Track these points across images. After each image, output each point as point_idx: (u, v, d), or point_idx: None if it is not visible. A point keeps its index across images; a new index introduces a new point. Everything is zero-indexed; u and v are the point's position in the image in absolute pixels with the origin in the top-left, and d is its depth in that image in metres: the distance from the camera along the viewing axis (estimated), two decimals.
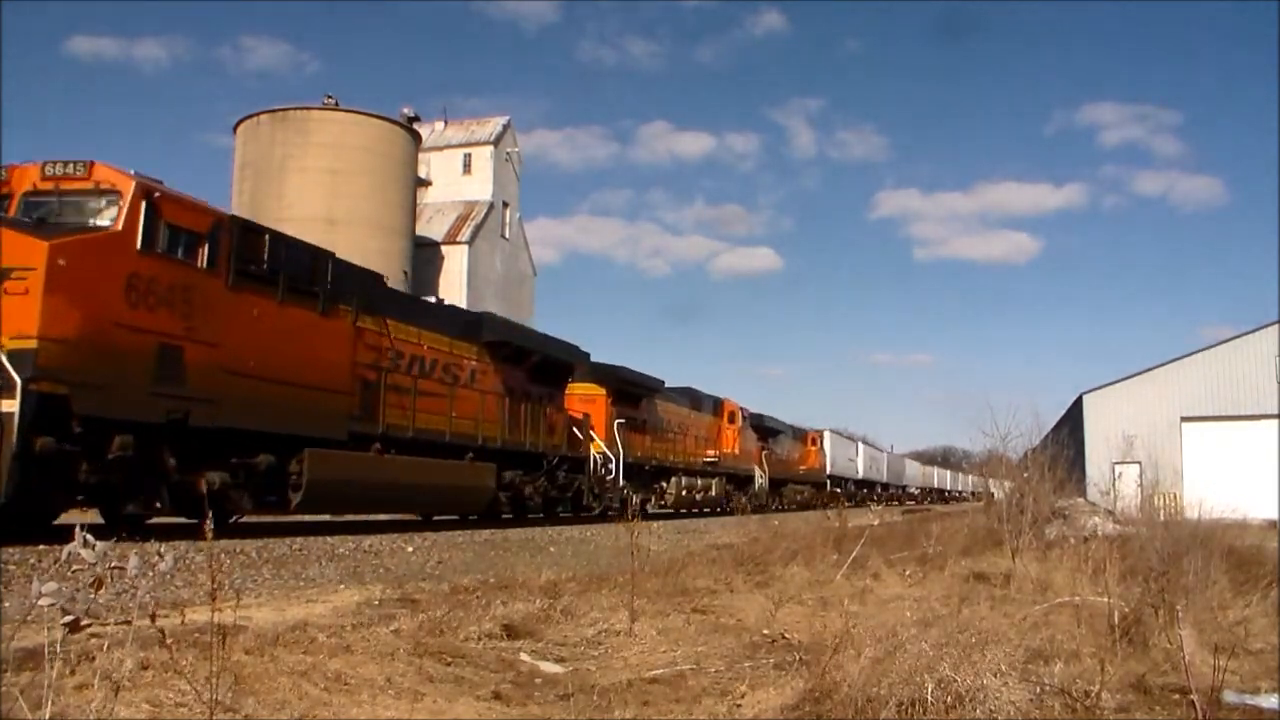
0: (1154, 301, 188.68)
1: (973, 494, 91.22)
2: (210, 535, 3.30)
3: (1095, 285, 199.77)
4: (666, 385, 28.86)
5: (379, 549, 11.31)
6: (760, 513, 30.55)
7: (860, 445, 58.93)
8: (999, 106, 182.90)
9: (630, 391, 24.80)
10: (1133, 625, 6.81)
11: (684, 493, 27.58)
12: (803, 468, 44.48)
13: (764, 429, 37.19)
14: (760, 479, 35.24)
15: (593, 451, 21.96)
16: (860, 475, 56.91)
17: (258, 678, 4.04)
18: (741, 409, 33.99)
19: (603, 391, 23.23)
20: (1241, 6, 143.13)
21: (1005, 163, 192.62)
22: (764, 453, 36.41)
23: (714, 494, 30.21)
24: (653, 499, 25.55)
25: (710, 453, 30.59)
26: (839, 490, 49.50)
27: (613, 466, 22.49)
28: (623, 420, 23.51)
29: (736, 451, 33.04)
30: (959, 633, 5.19)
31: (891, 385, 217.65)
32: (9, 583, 6.82)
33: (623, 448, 22.99)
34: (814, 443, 46.90)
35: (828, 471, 48.51)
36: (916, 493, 77.69)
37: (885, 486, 65.41)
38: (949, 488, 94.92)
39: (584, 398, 22.80)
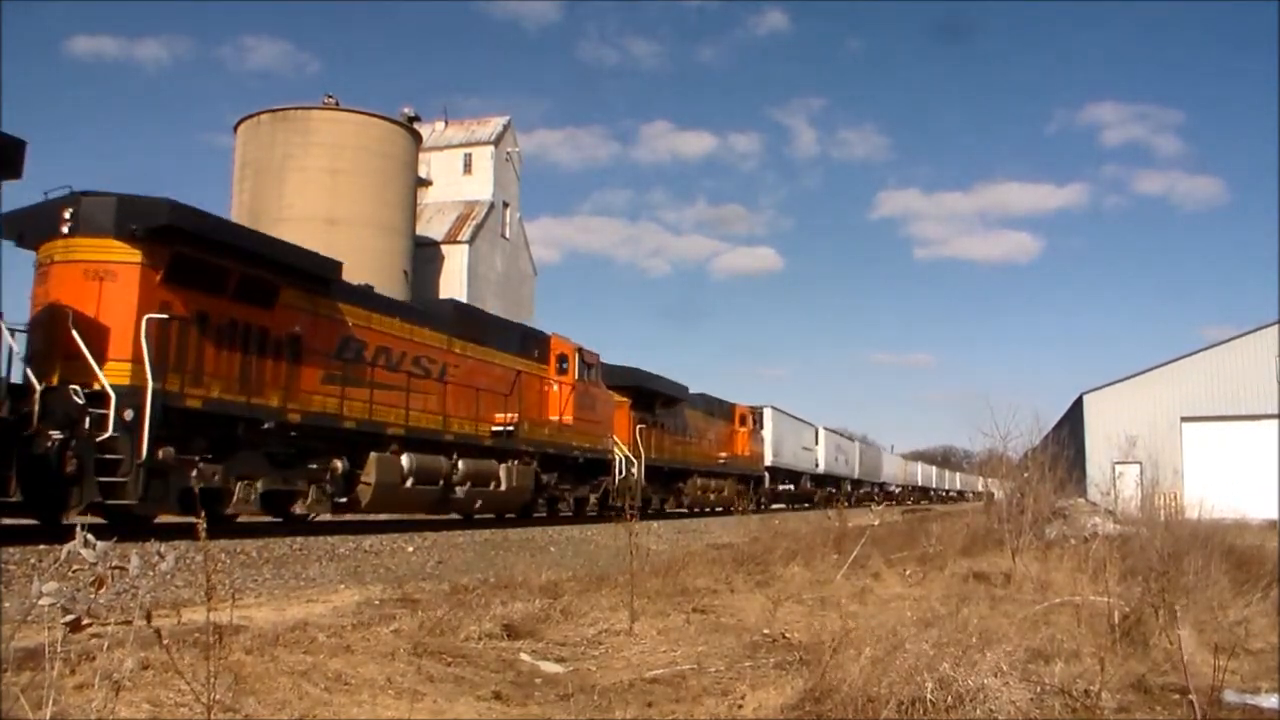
0: (1154, 301, 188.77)
1: (960, 493, 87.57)
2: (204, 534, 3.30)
3: (1096, 285, 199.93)
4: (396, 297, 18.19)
5: (379, 549, 11.32)
6: (620, 520, 17.22)
7: (821, 431, 47.19)
8: (1000, 106, 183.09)
9: (231, 273, 11.95)
10: (1133, 625, 6.81)
11: (409, 482, 14.78)
12: (723, 455, 31.88)
13: (642, 393, 24.73)
14: (631, 467, 22.81)
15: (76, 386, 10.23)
16: (821, 468, 46.01)
17: (258, 677, 4.05)
18: (583, 351, 20.82)
19: (135, 257, 10.91)
20: (1242, 7, 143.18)
21: (1006, 162, 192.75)
22: (640, 428, 23.95)
23: (504, 487, 17.40)
24: (309, 491, 13.28)
25: (501, 418, 17.43)
26: (789, 487, 40.40)
27: (119, 415, 10.25)
28: (189, 317, 11.30)
29: (567, 419, 19.94)
30: (959, 632, 5.19)
31: (892, 385, 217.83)
32: (9, 582, 6.83)
33: (178, 377, 11.06)
34: (745, 422, 34.45)
35: (768, 461, 37.00)
36: (897, 491, 67.46)
37: (857, 484, 54.23)
38: (936, 486, 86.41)
39: (88, 269, 10.83)
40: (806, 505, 40.44)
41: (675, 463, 27.20)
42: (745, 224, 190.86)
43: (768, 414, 37.92)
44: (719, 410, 32.75)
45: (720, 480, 31.28)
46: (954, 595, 8.65)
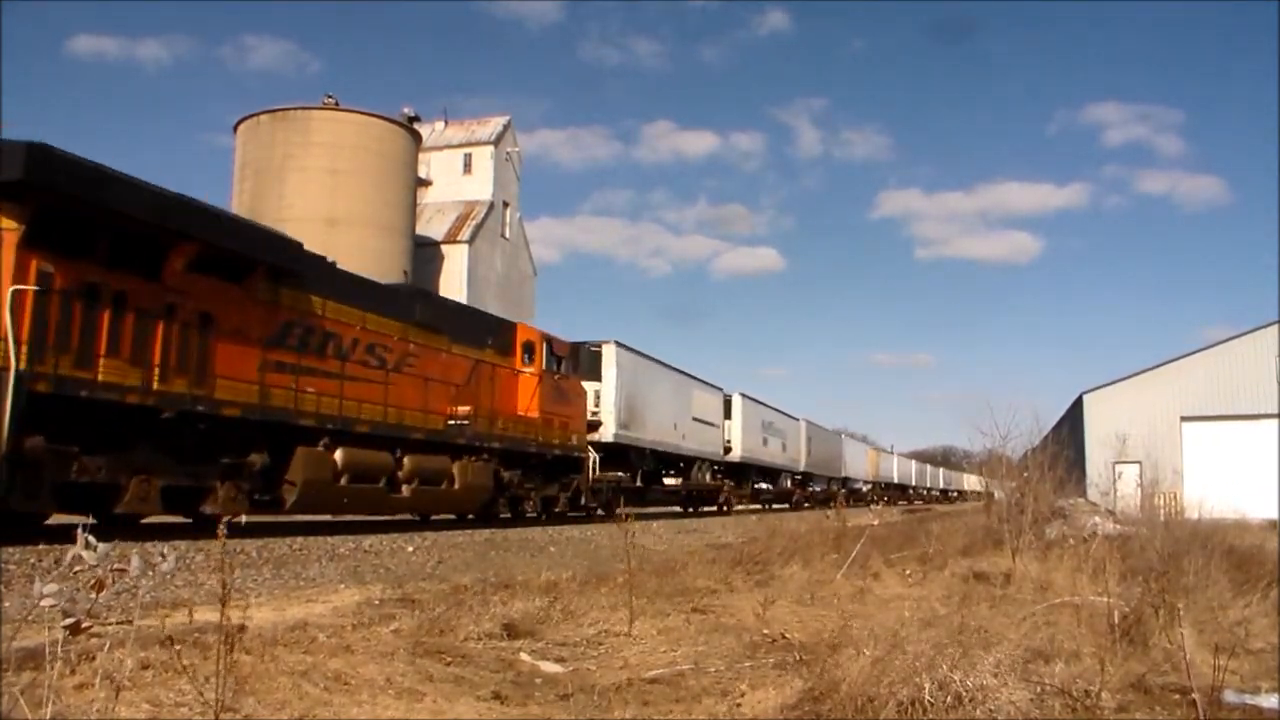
0: (1154, 301, 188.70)
1: (945, 492, 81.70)
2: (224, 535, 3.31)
3: (1096, 285, 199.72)
4: None
5: (379, 549, 11.33)
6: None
7: (737, 400, 32.71)
8: (1002, 106, 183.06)
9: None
10: (1133, 625, 6.81)
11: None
12: (461, 410, 16.10)
13: (54, 209, 9.60)
14: None
15: None
16: (736, 454, 32.03)
17: (258, 677, 4.05)
18: None
19: None
20: (1243, 6, 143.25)
21: (1007, 162, 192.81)
22: (29, 292, 9.30)
23: None
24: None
25: None
26: (673, 481, 27.22)
27: None
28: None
29: None
30: (959, 632, 5.19)
31: (892, 385, 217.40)
32: (9, 582, 6.83)
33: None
34: (532, 356, 18.83)
35: (609, 434, 22.19)
36: (865, 490, 52.85)
37: (804, 479, 41.60)
38: (918, 484, 74.51)
39: None
40: (712, 510, 28.98)
41: (242, 406, 11.94)
42: (746, 224, 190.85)
43: (610, 355, 22.69)
44: (463, 326, 16.86)
45: (433, 458, 15.46)
46: (954, 595, 8.65)
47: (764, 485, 37.73)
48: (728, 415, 32.02)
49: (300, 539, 11.35)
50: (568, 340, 20.51)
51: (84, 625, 2.59)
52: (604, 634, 6.26)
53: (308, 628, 5.22)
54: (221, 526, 3.26)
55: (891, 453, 70.71)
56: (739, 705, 4.60)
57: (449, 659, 5.04)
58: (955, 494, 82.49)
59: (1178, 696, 5.29)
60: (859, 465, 54.83)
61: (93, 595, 2.68)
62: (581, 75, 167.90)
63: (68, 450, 9.72)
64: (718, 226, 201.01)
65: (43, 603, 2.49)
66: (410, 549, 11.62)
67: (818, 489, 43.46)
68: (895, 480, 65.39)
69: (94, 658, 3.68)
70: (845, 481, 50.09)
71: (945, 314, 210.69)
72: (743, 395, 33.52)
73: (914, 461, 78.47)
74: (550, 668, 5.24)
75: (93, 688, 3.32)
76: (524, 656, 5.40)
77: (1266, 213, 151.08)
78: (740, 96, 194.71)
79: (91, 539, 2.55)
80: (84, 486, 10.04)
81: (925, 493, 76.37)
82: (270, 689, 3.97)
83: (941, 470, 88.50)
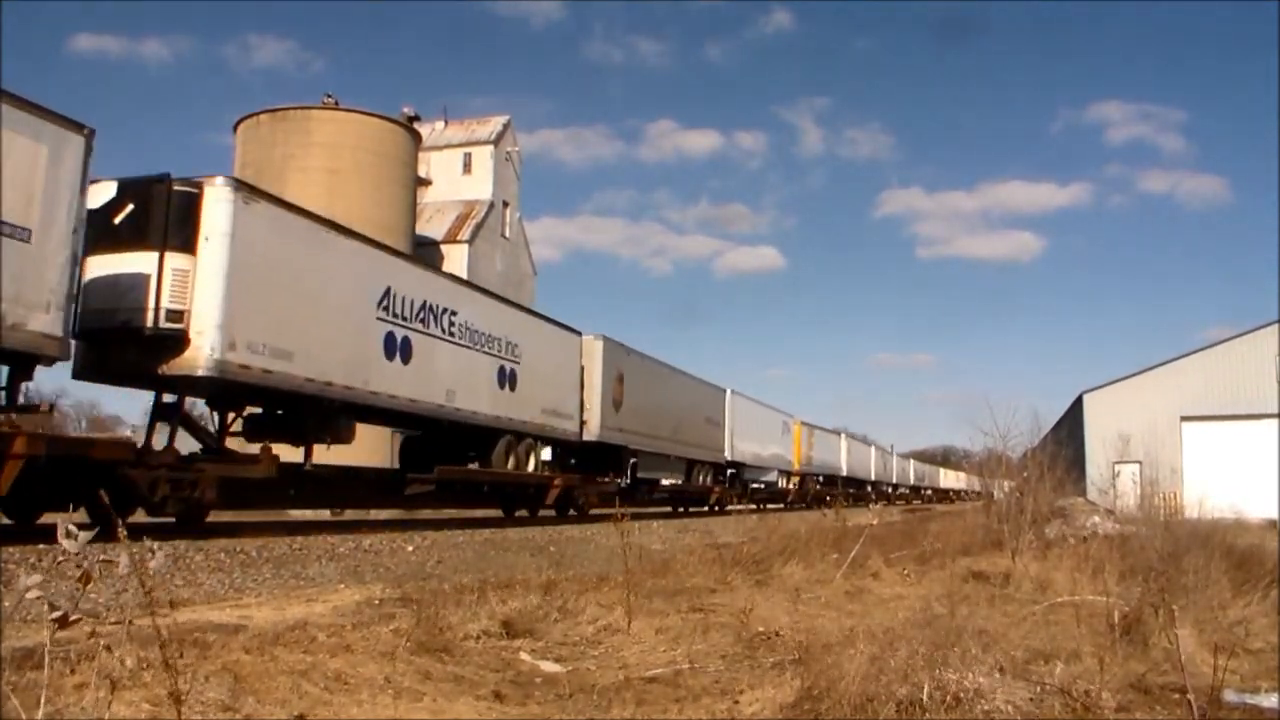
0: (1155, 301, 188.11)
1: (918, 489, 69.26)
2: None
3: (1097, 285, 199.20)
4: None
5: (379, 548, 11.33)
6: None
7: (463, 293, 16.54)
8: (1005, 105, 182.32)
9: None
10: (1133, 625, 6.81)
11: None
12: None
13: None
14: None
15: None
16: (442, 402, 15.06)
17: (257, 676, 4.05)
18: None
19: None
20: (1246, 6, 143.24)
21: (1010, 161, 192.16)
22: None
23: None
24: None
25: None
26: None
27: None
28: None
29: None
30: (957, 632, 5.19)
31: (893, 386, 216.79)
32: (8, 582, 6.82)
33: None
34: None
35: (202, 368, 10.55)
36: (789, 491, 37.88)
37: (630, 464, 22.89)
38: (878, 479, 56.99)
39: None
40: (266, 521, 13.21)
41: None
42: (748, 223, 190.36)
43: None
44: None
45: None
46: (953, 595, 8.65)
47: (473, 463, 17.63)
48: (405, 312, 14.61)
49: (300, 538, 11.36)
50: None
51: (72, 618, 2.58)
52: (603, 633, 6.26)
53: (307, 627, 5.22)
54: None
55: (837, 433, 50.04)
56: (737, 704, 4.60)
57: (448, 658, 5.03)
58: (928, 491, 75.48)
59: (1178, 696, 5.28)
60: (768, 445, 34.96)
61: (79, 589, 2.67)
62: (584, 74, 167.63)
63: None
64: (719, 226, 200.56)
65: (28, 595, 2.48)
66: (410, 549, 11.62)
67: (674, 480, 25.79)
68: (844, 474, 47.98)
69: (93, 657, 3.68)
70: (736, 470, 31.72)
71: (946, 314, 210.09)
72: (469, 287, 17.66)
73: (873, 449, 58.82)
74: (549, 667, 5.24)
75: (89, 687, 3.31)
76: (523, 656, 5.40)
77: (1267, 212, 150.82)
78: (743, 96, 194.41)
79: (73, 528, 2.55)
80: None
81: (890, 490, 60.56)
82: (270, 688, 3.97)
83: (912, 463, 73.95)
